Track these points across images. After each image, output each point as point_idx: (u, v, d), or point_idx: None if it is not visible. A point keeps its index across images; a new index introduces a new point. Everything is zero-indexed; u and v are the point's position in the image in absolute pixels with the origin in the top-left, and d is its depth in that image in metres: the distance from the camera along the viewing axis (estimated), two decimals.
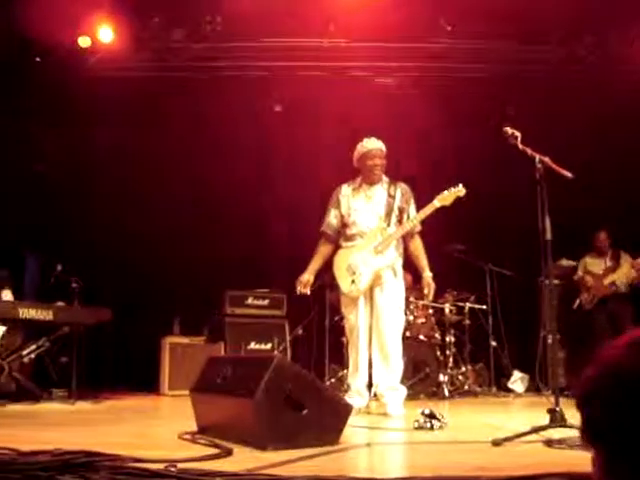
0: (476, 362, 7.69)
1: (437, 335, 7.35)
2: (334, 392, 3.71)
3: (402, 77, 8.27)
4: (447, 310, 7.52)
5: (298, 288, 5.31)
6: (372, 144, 5.27)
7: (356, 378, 5.20)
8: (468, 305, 7.60)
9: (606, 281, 7.42)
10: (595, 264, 7.62)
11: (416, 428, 3.98)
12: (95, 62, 8.05)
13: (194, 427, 3.75)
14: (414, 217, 5.17)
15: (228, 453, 2.99)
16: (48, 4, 6.75)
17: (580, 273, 7.66)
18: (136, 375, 7.63)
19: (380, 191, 5.30)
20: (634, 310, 7.28)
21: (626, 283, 7.41)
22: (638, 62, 7.62)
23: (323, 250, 5.42)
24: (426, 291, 5.19)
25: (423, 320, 7.32)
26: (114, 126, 8.31)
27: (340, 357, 7.00)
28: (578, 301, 7.57)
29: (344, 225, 5.35)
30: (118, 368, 7.75)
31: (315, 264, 5.38)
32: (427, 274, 5.21)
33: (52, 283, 6.54)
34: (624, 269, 7.37)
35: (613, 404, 0.92)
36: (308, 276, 5.31)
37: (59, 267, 6.51)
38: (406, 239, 5.30)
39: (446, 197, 5.05)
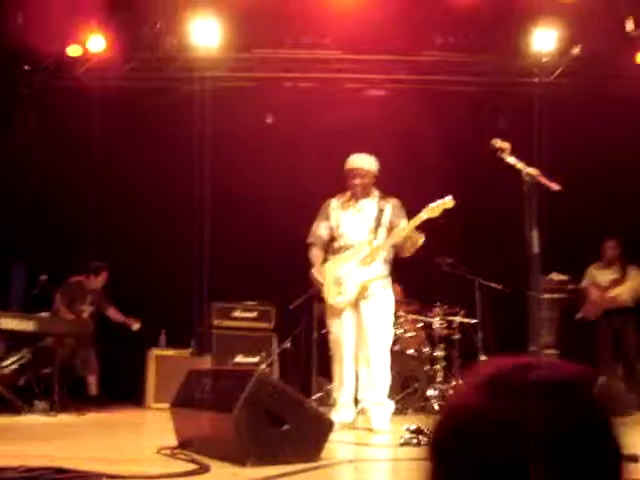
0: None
1: (426, 349, 7.27)
2: (316, 407, 3.64)
3: (393, 89, 8.25)
4: (436, 324, 7.44)
5: (317, 277, 5.17)
6: (353, 163, 5.19)
7: (342, 392, 5.13)
8: (458, 319, 7.52)
9: (612, 293, 7.29)
10: (601, 274, 7.47)
11: (402, 444, 3.91)
12: (84, 71, 8.01)
13: (175, 442, 3.67)
14: (401, 229, 5.09)
15: (205, 469, 2.91)
16: (38, 13, 6.74)
17: (585, 283, 7.54)
18: (121, 387, 7.52)
19: (370, 204, 5.24)
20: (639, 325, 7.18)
21: (632, 297, 7.29)
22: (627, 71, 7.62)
23: (317, 253, 5.31)
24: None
25: (412, 334, 7.24)
26: (104, 136, 8.25)
27: (328, 370, 6.91)
28: (581, 313, 7.47)
29: (332, 238, 5.29)
30: (103, 380, 7.64)
31: (318, 261, 5.25)
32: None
33: (37, 293, 6.45)
34: (631, 282, 7.25)
35: (462, 459, 0.77)
36: (319, 267, 5.21)
37: (43, 277, 6.42)
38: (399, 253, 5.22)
39: (434, 209, 4.95)
